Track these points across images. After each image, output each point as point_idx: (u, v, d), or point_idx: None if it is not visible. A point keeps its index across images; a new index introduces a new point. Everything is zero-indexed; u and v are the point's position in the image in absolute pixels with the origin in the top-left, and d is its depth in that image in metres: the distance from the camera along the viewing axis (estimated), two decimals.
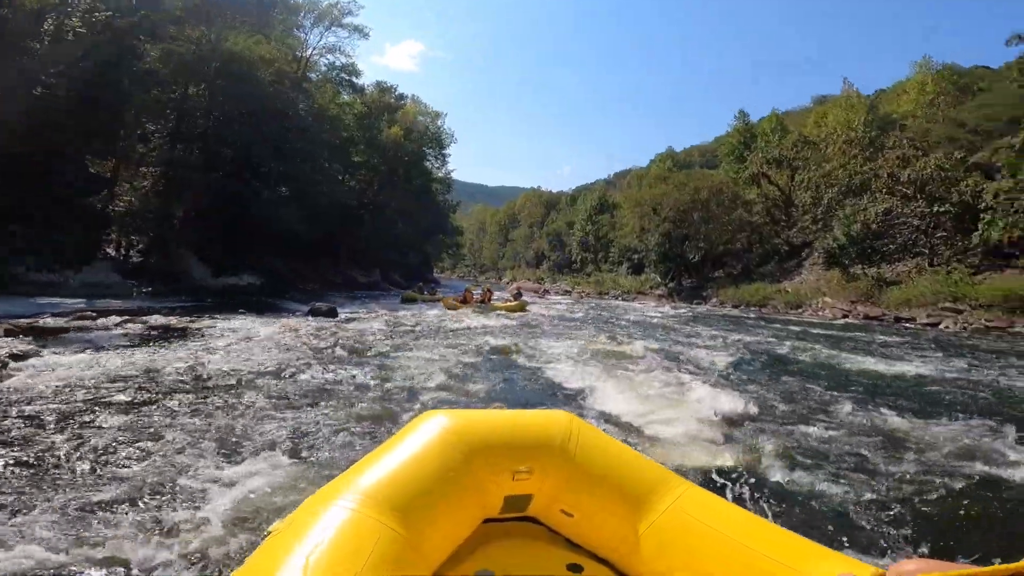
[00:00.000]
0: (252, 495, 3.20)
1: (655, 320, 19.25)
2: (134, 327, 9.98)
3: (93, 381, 5.72)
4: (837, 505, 3.55)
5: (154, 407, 5.02)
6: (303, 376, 6.75)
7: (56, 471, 3.47)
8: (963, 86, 33.76)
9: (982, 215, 22.15)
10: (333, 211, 31.18)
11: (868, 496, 3.69)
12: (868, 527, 3.25)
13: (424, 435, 1.64)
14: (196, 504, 3.08)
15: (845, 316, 24.91)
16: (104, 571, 2.42)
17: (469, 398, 6.18)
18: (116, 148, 22.08)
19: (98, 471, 3.52)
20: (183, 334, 9.80)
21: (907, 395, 7.32)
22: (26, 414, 4.56)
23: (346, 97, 37.02)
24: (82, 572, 2.41)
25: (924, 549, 3.00)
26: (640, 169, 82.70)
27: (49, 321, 9.50)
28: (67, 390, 5.32)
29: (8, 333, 7.72)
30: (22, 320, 9.34)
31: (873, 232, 28.10)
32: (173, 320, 11.46)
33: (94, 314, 10.84)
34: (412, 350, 8.98)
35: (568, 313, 21.20)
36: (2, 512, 2.89)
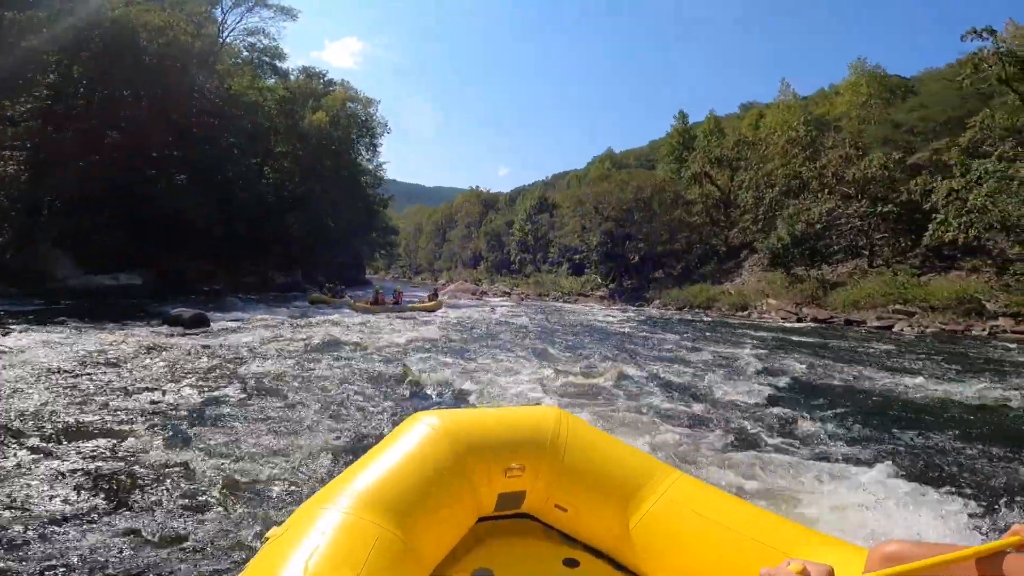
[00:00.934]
0: None
1: (609, 327, 17.03)
2: None
3: None
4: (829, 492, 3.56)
5: None
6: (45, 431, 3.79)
7: None
8: (893, 88, 33.91)
9: (933, 215, 21.42)
10: (249, 204, 27.25)
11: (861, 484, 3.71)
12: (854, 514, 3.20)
13: (415, 437, 1.62)
14: None
15: (791, 319, 23.77)
16: None
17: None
18: None
19: None
20: None
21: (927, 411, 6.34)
22: None
23: (271, 82, 32.85)
24: None
25: (902, 531, 2.98)
26: (579, 170, 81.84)
27: None
28: None
29: None
30: None
31: (816, 232, 27.28)
32: None
33: None
34: (272, 390, 6.10)
35: (511, 318, 18.66)
36: None
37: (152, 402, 5.17)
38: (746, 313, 26.68)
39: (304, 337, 9.89)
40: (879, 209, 25.03)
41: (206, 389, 5.76)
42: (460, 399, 6.14)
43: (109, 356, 7.22)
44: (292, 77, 38.23)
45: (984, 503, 3.56)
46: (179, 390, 5.64)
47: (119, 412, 4.75)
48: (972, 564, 0.85)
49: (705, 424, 5.44)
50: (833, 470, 4.03)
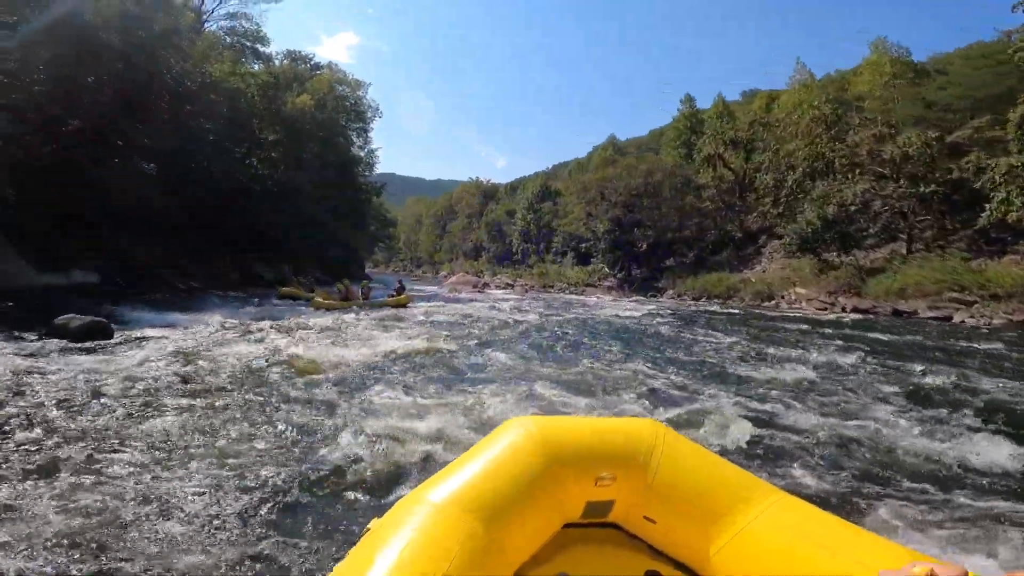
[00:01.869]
0: None
1: (631, 323, 14.41)
2: None
3: None
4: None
5: None
6: None
7: None
8: (919, 68, 31.00)
9: (991, 194, 18.76)
10: (229, 195, 24.61)
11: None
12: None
13: (509, 440, 1.63)
14: None
15: (827, 310, 21.19)
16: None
17: None
18: None
19: None
20: None
21: None
22: None
23: (256, 67, 29.94)
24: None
25: None
26: (581, 159, 78.82)
27: None
28: None
29: None
30: None
31: (850, 216, 24.62)
32: None
33: None
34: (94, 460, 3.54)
35: (516, 313, 16.04)
36: None
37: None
38: (772, 303, 24.10)
39: (231, 352, 7.29)
40: (921, 189, 22.31)
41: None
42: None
43: None
44: (277, 62, 35.41)
45: None
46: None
47: None
48: None
49: (804, 456, 3.89)
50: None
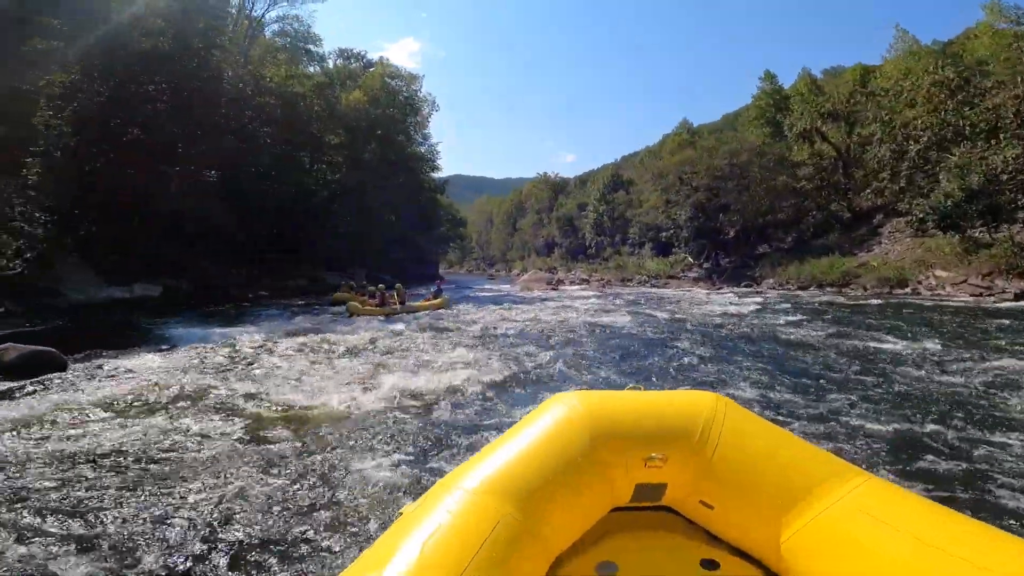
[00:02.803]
0: None
1: (745, 322, 11.38)
2: None
3: None
4: None
5: None
6: None
7: None
8: None
9: None
10: (291, 200, 23.65)
11: None
12: None
13: (551, 418, 1.50)
14: None
15: (985, 295, 16.93)
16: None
17: None
18: None
19: None
20: None
21: None
22: None
23: (311, 70, 29.02)
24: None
25: None
26: (652, 146, 74.21)
27: None
28: None
29: None
30: None
31: (1000, 185, 19.89)
32: None
33: None
34: None
35: (597, 314, 13.38)
36: None
37: None
38: (907, 290, 19.86)
39: (215, 385, 5.33)
40: None
41: None
42: None
43: None
44: (330, 63, 34.49)
45: None
46: None
47: None
48: None
49: None
50: None
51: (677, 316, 13.18)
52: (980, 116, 22.17)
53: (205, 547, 2.47)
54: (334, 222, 26.29)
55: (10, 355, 5.62)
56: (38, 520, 2.68)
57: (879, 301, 17.05)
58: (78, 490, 3.02)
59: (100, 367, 6.34)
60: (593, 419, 1.46)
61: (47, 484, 3.11)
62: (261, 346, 8.22)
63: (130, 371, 6.23)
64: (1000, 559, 1.05)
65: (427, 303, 15.22)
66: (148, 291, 16.13)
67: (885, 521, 1.20)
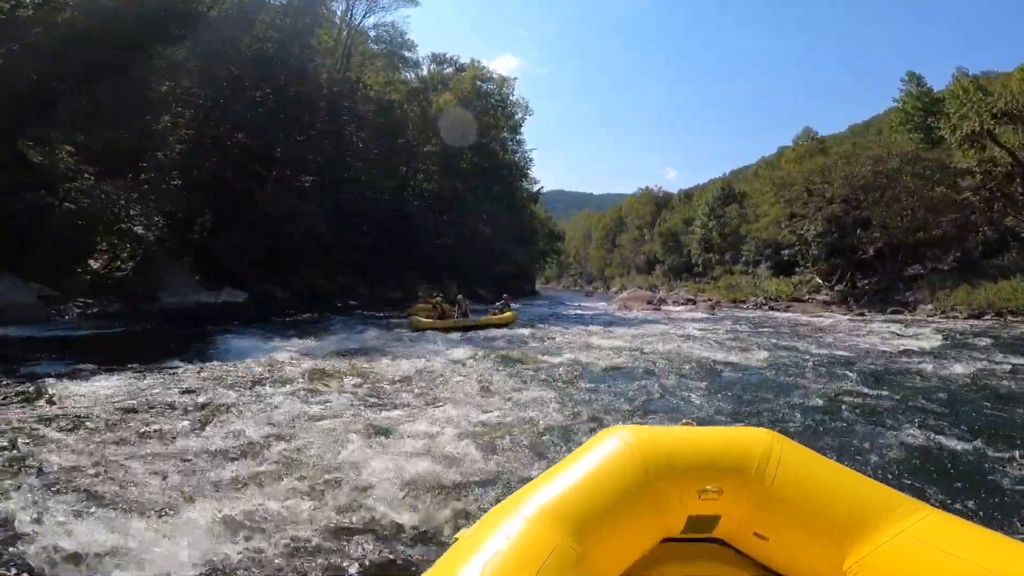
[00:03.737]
0: None
1: (955, 362, 8.09)
2: None
3: None
4: None
5: None
6: None
7: None
8: None
9: None
10: (390, 211, 22.99)
11: None
12: None
13: (604, 450, 1.51)
14: None
15: None
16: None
17: None
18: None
19: None
20: None
21: None
22: None
23: (407, 76, 28.62)
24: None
25: None
26: (768, 156, 67.68)
27: None
28: None
29: None
30: None
31: None
32: None
33: None
34: None
35: (717, 350, 10.43)
36: None
37: None
38: None
39: (216, 421, 3.70)
40: None
41: None
42: None
43: None
44: (424, 70, 34.12)
45: None
46: None
47: None
48: None
49: None
50: None
51: (838, 353, 9.97)
52: None
53: None
54: (430, 233, 25.34)
55: None
56: None
57: None
58: None
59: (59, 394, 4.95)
60: (646, 451, 1.46)
61: None
62: (299, 366, 6.62)
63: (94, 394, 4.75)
64: None
65: (493, 317, 14.09)
66: (233, 297, 15.76)
67: (950, 552, 1.19)
